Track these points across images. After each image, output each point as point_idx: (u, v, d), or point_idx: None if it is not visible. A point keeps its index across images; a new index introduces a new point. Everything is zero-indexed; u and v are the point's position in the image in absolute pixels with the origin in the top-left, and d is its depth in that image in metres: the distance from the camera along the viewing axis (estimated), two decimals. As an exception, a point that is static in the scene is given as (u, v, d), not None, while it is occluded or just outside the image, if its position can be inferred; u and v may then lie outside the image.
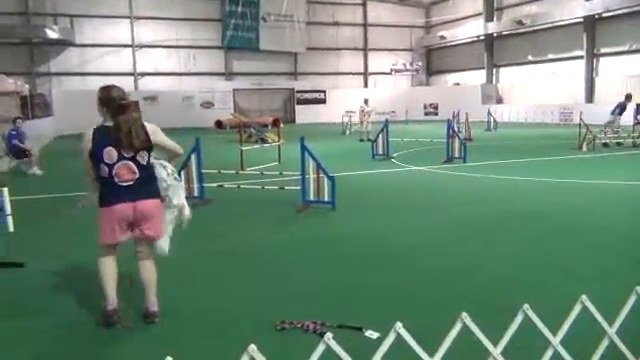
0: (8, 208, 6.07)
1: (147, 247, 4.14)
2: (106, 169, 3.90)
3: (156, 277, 4.17)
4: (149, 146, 3.97)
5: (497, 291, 4.67)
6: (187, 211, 4.32)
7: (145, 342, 3.83)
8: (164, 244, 4.17)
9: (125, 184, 3.92)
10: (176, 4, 36.15)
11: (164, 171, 4.12)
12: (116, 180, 3.90)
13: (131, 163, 3.91)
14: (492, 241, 6.36)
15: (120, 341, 3.84)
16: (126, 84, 34.75)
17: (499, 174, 11.50)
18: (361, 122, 21.86)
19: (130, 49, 35.73)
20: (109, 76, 34.33)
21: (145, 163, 3.99)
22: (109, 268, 4.09)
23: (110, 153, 3.87)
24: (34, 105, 25.65)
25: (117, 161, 3.88)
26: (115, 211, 3.94)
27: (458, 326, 2.02)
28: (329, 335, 1.90)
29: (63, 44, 33.88)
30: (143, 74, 36.29)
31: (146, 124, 4.00)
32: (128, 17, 35.31)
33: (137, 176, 3.94)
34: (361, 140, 20.39)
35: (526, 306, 2.08)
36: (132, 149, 3.88)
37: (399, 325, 1.96)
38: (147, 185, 4.01)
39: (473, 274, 5.14)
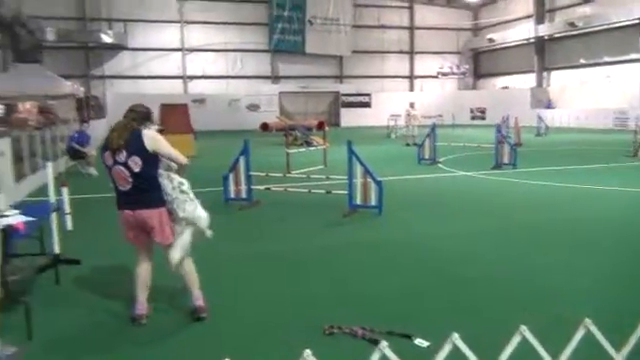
0: (67, 207, 6.34)
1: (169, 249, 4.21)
2: (108, 171, 4.09)
3: (194, 273, 4.25)
4: (139, 152, 3.95)
5: (548, 300, 4.55)
6: (203, 223, 4.21)
7: (189, 343, 3.89)
8: (175, 253, 4.13)
9: (123, 189, 4.04)
10: (225, 8, 36.81)
11: (169, 184, 4.08)
12: (117, 184, 4.07)
13: (123, 168, 3.97)
14: (541, 249, 6.20)
15: (166, 340, 3.94)
16: (175, 87, 35.74)
17: (550, 181, 11.19)
18: (407, 126, 21.69)
19: (180, 53, 36.59)
20: (159, 79, 35.41)
21: (139, 170, 3.95)
22: (140, 272, 4.24)
23: (107, 156, 4.04)
24: (89, 107, 26.59)
25: (113, 165, 4.01)
26: (122, 215, 4.13)
27: (517, 339, 1.99)
28: (384, 343, 1.90)
29: (117, 48, 35.03)
30: (192, 77, 37.09)
31: (146, 131, 4.03)
32: (178, 22, 36.17)
33: (131, 182, 3.98)
34: (407, 144, 20.22)
35: (588, 321, 2.02)
36: (111, 149, 3.98)
37: (455, 336, 1.94)
38: (145, 194, 4.02)
39: (523, 282, 5.03)
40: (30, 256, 5.26)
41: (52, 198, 5.86)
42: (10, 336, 3.76)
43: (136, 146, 3.94)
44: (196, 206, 4.19)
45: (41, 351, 3.79)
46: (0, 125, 14.59)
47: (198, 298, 4.24)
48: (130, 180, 3.98)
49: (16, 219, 4.52)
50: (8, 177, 9.06)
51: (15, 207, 5.09)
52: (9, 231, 4.18)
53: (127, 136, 3.96)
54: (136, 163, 3.94)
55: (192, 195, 4.19)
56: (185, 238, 4.16)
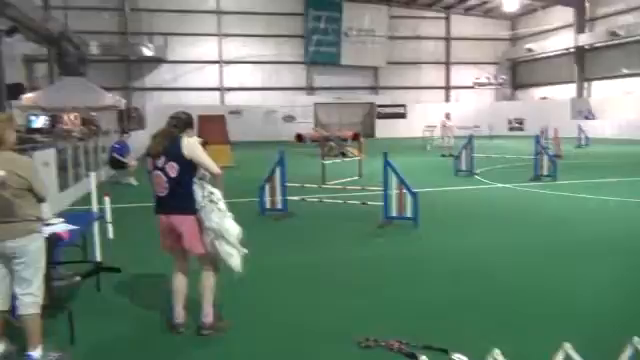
0: (109, 216, 6.49)
1: (198, 259, 4.23)
2: (149, 177, 4.22)
3: (213, 290, 4.23)
4: (176, 157, 4.03)
5: (592, 316, 4.43)
6: (231, 237, 4.07)
7: (225, 353, 3.93)
8: (233, 262, 4.08)
9: (161, 194, 4.15)
10: (261, 21, 37.31)
11: (200, 192, 4.09)
12: (155, 190, 4.18)
13: (161, 174, 4.09)
14: (581, 264, 6.04)
15: (203, 349, 3.99)
16: (213, 99, 36.35)
17: (591, 194, 10.88)
18: (442, 137, 21.49)
19: (217, 65, 37.25)
20: (197, 91, 36.07)
21: (175, 175, 4.05)
22: (176, 283, 4.31)
23: (149, 162, 4.19)
24: (130, 118, 27.27)
25: (152, 170, 4.15)
26: (158, 220, 4.23)
27: (560, 356, 1.94)
28: (424, 358, 1.88)
29: (157, 61, 35.92)
30: (229, 89, 37.68)
31: (186, 138, 4.11)
32: (216, 35, 36.88)
33: (167, 187, 4.08)
34: (443, 155, 20.01)
35: (636, 339, 1.96)
36: (151, 155, 4.13)
37: (497, 352, 1.91)
38: (179, 200, 4.09)
39: (562, 296, 4.92)
40: (73, 263, 5.41)
41: (95, 207, 6.02)
42: (54, 341, 3.87)
43: (174, 152, 4.06)
44: (224, 218, 4.08)
45: (83, 356, 3.88)
46: (45, 136, 15.10)
47: (208, 315, 4.22)
48: (167, 186, 4.09)
49: (60, 227, 4.66)
50: (53, 186, 9.35)
51: (59, 216, 5.25)
52: (54, 239, 4.31)
53: (166, 142, 4.10)
54: (173, 168, 4.05)
55: (222, 206, 4.11)
56: (227, 249, 4.07)
